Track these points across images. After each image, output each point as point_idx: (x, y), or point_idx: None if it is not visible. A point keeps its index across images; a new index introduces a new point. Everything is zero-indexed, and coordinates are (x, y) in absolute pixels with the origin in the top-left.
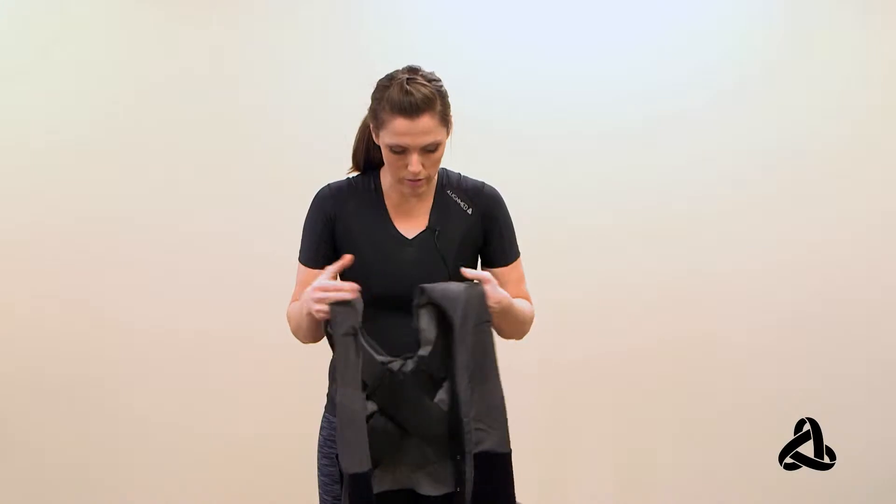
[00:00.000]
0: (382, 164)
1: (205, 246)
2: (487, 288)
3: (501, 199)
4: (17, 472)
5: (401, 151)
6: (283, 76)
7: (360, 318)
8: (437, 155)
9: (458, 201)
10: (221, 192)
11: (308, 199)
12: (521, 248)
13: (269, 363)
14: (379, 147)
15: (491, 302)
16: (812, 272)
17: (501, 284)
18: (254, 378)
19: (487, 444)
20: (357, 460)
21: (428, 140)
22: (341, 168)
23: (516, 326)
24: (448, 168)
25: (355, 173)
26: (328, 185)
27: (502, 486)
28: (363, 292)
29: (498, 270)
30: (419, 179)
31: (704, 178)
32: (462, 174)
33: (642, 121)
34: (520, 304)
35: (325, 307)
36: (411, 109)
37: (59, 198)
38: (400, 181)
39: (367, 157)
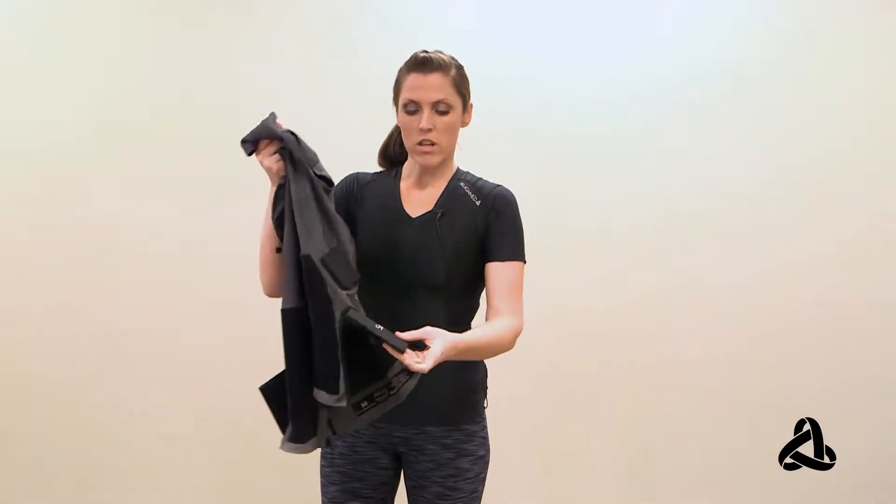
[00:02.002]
0: (404, 160)
1: (205, 247)
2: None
3: (513, 200)
4: (16, 472)
5: (414, 111)
6: (283, 77)
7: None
8: (448, 119)
9: (469, 193)
10: (222, 193)
11: None
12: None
13: (271, 364)
14: (401, 145)
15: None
16: (812, 272)
17: (491, 280)
18: (255, 378)
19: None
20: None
21: (438, 96)
22: (342, 170)
23: (480, 355)
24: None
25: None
26: (359, 171)
27: None
28: (364, 269)
29: (490, 265)
30: (431, 144)
31: (704, 179)
32: (483, 178)
33: (642, 121)
34: (476, 341)
35: (276, 156)
36: (424, 66)
37: (58, 198)
38: (413, 149)
39: (388, 152)
